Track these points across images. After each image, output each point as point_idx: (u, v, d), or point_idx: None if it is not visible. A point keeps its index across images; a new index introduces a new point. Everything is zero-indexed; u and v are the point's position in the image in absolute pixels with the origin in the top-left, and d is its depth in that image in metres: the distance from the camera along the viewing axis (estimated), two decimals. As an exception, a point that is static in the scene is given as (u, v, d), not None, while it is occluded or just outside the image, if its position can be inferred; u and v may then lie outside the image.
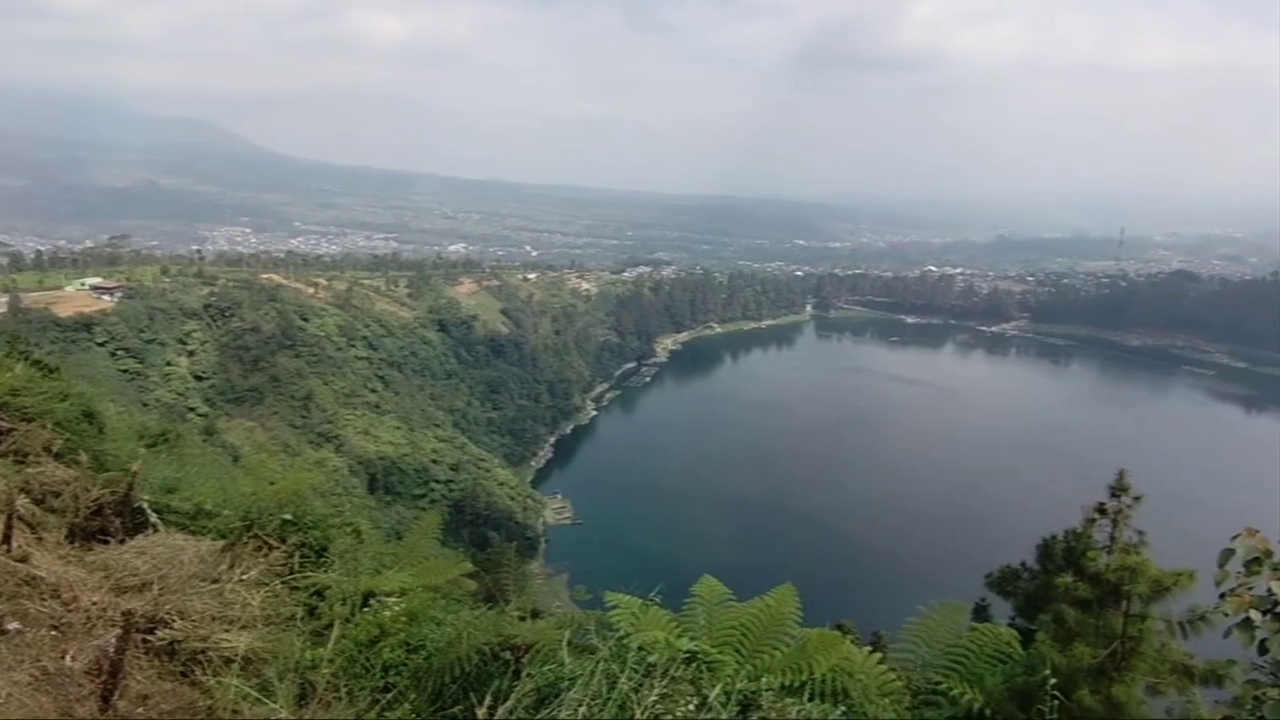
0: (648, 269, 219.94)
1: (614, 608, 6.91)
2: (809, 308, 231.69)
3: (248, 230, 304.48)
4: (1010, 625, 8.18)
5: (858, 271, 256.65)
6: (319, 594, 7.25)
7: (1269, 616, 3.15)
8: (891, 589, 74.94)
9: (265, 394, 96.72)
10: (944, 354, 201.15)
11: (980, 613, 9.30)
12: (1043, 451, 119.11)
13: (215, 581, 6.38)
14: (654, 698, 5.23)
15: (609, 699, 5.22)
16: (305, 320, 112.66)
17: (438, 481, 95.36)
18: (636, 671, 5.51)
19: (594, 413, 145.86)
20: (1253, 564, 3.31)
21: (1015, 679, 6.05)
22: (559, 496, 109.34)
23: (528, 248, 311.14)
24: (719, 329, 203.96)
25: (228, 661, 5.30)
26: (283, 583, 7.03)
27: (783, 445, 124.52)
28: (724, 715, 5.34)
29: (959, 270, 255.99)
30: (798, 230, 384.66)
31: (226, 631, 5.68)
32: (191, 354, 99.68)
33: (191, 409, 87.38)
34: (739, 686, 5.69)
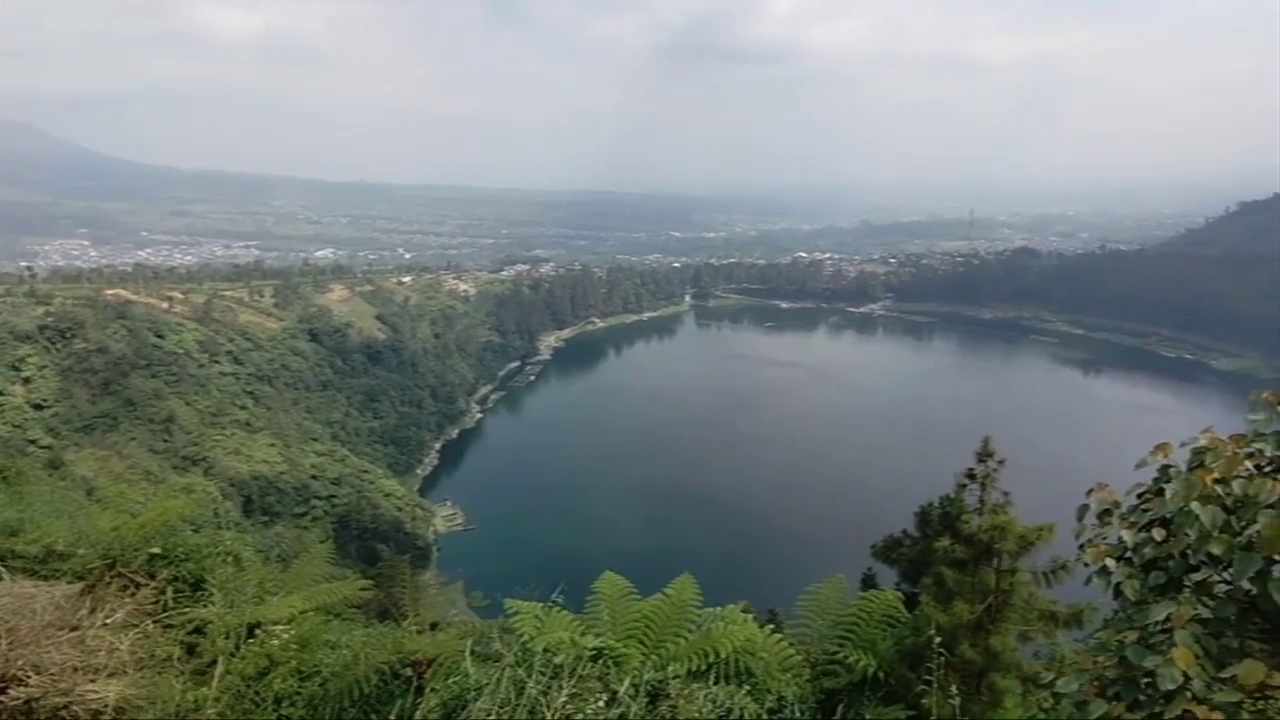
0: (526, 267, 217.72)
1: (515, 614, 6.82)
2: (688, 298, 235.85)
3: (86, 243, 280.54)
4: (896, 590, 8.67)
5: (733, 260, 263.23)
6: (198, 631, 6.79)
7: (1121, 563, 3.46)
8: (788, 563, 77.94)
9: (120, 419, 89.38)
10: (818, 336, 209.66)
11: (869, 581, 9.82)
12: (916, 422, 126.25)
13: (75, 629, 5.84)
14: (563, 698, 5.20)
15: (518, 704, 5.15)
16: (160, 337, 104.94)
17: (319, 498, 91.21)
18: (544, 674, 5.46)
19: (480, 415, 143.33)
20: (1105, 515, 3.62)
21: (904, 641, 6.42)
22: (449, 503, 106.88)
23: (401, 250, 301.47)
24: (601, 323, 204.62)
25: (96, 715, 4.89)
26: (155, 622, 6.54)
27: (673, 433, 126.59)
28: (633, 708, 5.38)
29: (828, 255, 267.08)
30: (673, 222, 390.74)
31: (92, 682, 5.22)
32: (28, 381, 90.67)
33: (32, 442, 79.48)
34: (646, 678, 5.75)
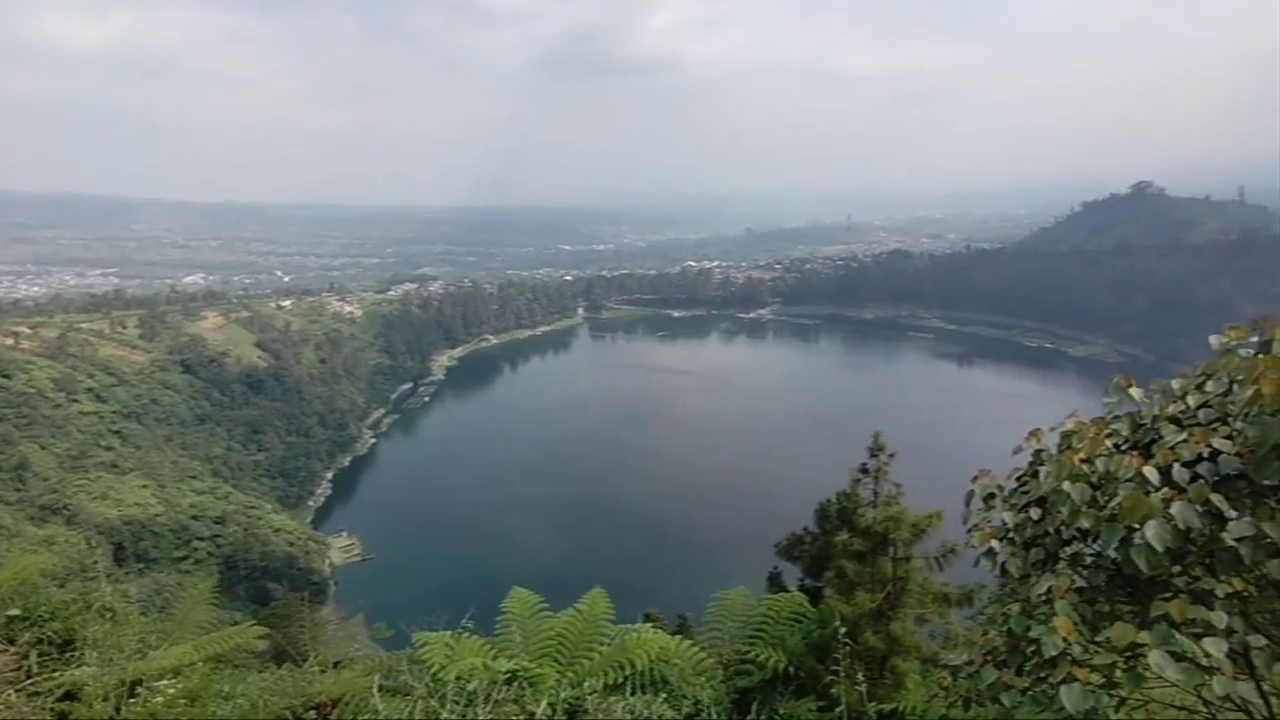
0: (414, 285, 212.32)
1: (423, 645, 6.65)
2: (581, 311, 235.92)
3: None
4: (801, 586, 8.95)
5: (624, 272, 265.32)
6: (70, 696, 6.26)
7: (1005, 542, 3.71)
8: (696, 565, 79.12)
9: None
10: (711, 342, 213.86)
11: (774, 580, 10.08)
12: (809, 421, 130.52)
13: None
14: (480, 726, 5.11)
15: (433, 737, 5.02)
16: (7, 377, 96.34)
17: (201, 539, 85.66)
18: (458, 703, 5.34)
19: (373, 441, 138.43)
20: (988, 499, 3.89)
21: (811, 634, 6.65)
22: (344, 534, 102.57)
23: (278, 273, 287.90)
24: (495, 340, 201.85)
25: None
26: (18, 691, 5.98)
27: (574, 445, 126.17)
28: (552, 727, 5.33)
29: (716, 263, 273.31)
30: (562, 235, 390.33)
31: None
32: None
33: None
34: (563, 696, 5.71)
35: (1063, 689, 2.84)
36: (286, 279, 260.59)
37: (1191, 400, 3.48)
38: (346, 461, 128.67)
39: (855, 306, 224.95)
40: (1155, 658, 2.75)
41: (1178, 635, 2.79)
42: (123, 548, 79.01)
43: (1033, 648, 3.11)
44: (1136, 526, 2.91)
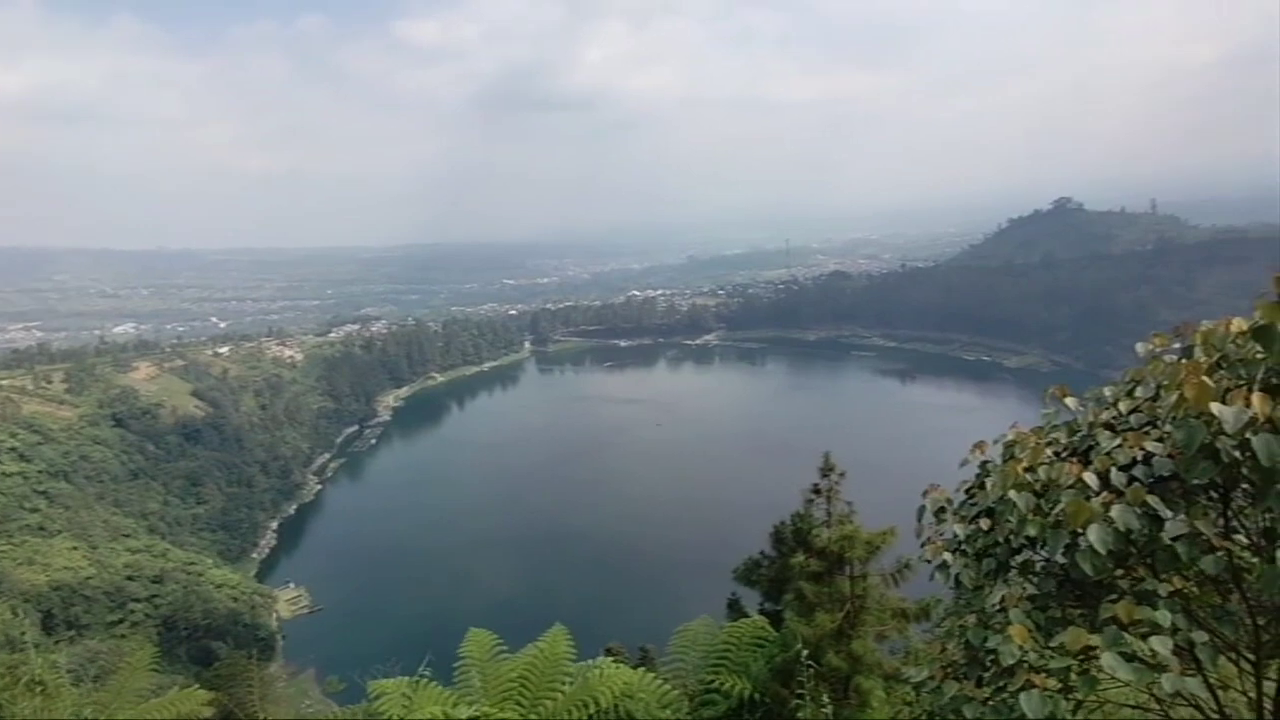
0: (356, 327, 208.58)
1: (379, 696, 6.45)
2: (527, 344, 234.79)
3: None
4: (761, 610, 8.95)
5: (569, 304, 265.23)
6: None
7: (957, 555, 3.79)
8: (655, 594, 78.55)
9: (-128, 543, 76.61)
10: (659, 370, 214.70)
11: (734, 605, 10.07)
12: (760, 443, 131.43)
13: None
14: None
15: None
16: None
17: (137, 600, 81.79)
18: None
19: (319, 487, 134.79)
20: (940, 513, 3.97)
21: (774, 659, 6.65)
22: (291, 585, 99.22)
23: (214, 319, 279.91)
24: (441, 378, 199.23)
25: None
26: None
27: (528, 481, 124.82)
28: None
29: (660, 292, 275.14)
30: (505, 270, 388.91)
31: None
32: None
33: None
34: (528, 739, 5.60)
35: (1021, 696, 2.90)
36: (222, 325, 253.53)
37: (1123, 406, 3.63)
38: (292, 510, 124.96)
39: (798, 328, 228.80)
40: (1107, 659, 2.82)
41: (1127, 636, 2.88)
42: (52, 615, 75.03)
43: (991, 658, 3.17)
44: (1080, 531, 3.00)
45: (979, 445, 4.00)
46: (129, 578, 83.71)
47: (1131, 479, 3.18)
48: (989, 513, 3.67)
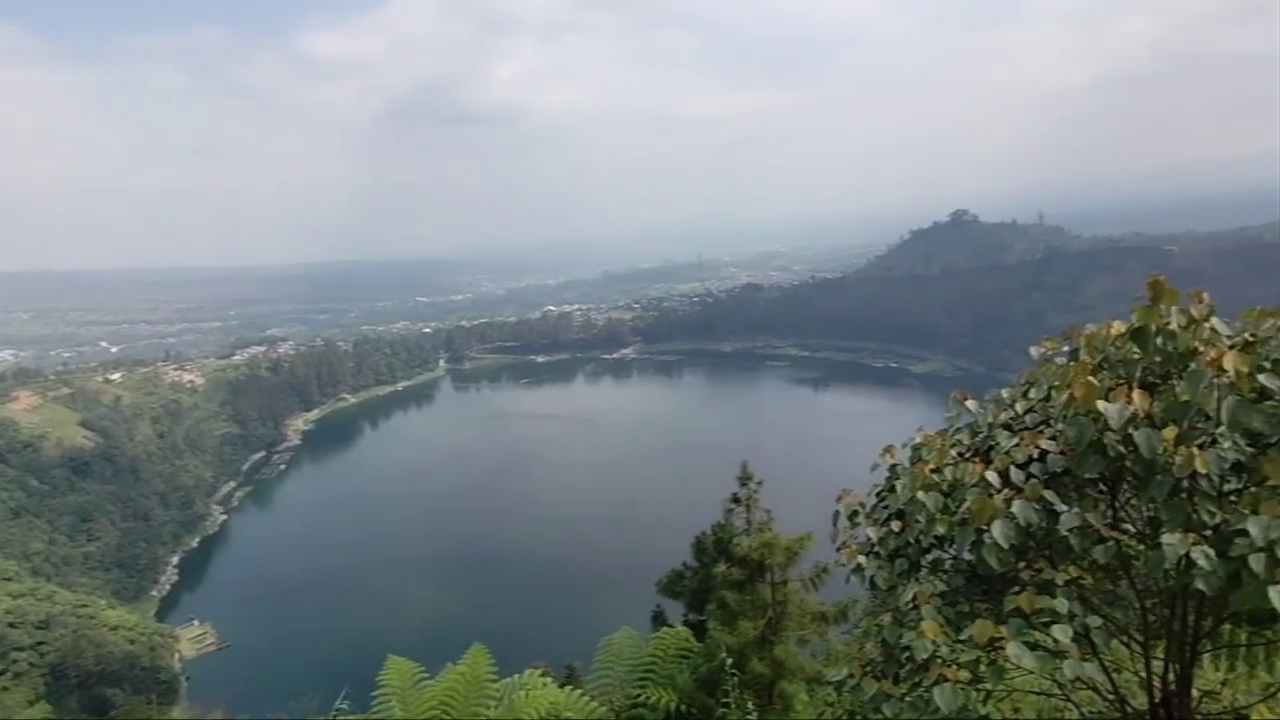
0: (262, 348, 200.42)
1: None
2: (442, 363, 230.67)
3: None
4: (685, 621, 8.99)
5: (484, 321, 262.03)
6: None
7: (871, 557, 3.91)
8: (582, 609, 77.96)
9: None
10: (577, 385, 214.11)
11: (659, 618, 10.07)
12: (680, 454, 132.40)
13: None
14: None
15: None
16: None
17: (20, 649, 75.81)
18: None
19: (224, 517, 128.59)
20: (853, 517, 4.09)
21: (699, 669, 6.69)
22: (195, 622, 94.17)
23: (104, 344, 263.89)
24: (353, 399, 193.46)
25: None
26: None
27: (445, 500, 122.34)
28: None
29: (576, 307, 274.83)
30: (418, 288, 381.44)
31: None
32: None
33: None
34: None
35: (935, 690, 3.01)
36: (114, 350, 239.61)
37: (1019, 407, 3.83)
38: (194, 543, 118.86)
39: (714, 340, 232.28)
40: (1012, 649, 2.96)
41: (1030, 626, 3.02)
42: (-77, 670, 69.00)
43: (906, 654, 3.28)
44: (985, 528, 3.15)
45: (888, 449, 4.14)
46: (11, 624, 77.59)
47: (1029, 476, 3.36)
48: (899, 514, 3.81)
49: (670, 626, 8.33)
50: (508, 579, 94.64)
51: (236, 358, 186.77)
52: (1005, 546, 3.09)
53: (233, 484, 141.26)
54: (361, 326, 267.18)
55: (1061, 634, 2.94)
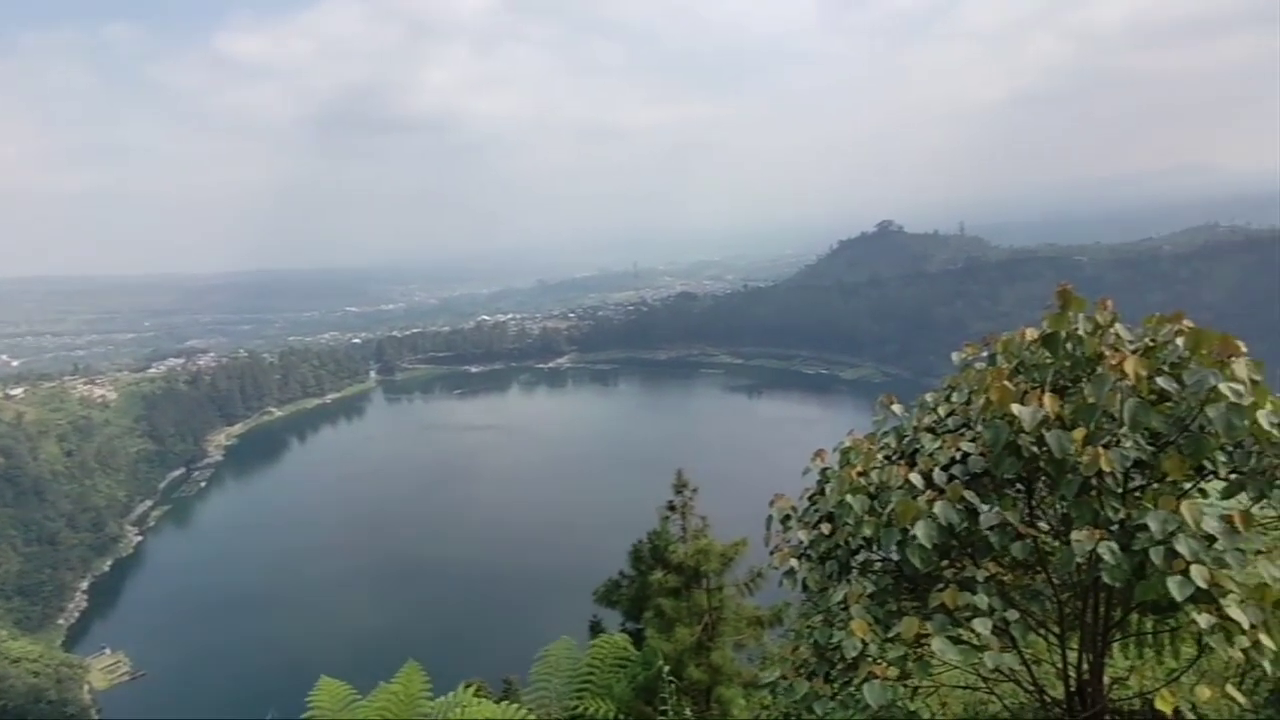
0: (180, 360, 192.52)
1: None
2: (373, 374, 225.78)
3: None
4: (623, 630, 8.99)
5: (416, 330, 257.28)
6: None
7: (803, 560, 3.99)
8: (518, 623, 76.87)
9: None
10: (512, 395, 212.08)
11: (596, 628, 10.04)
12: (616, 462, 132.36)
13: None
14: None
15: None
16: None
17: (-89, 686, 71.04)
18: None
19: (139, 539, 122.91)
20: (786, 520, 4.17)
21: (636, 678, 6.69)
22: (108, 651, 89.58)
23: (4, 357, 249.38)
24: (279, 412, 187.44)
25: None
26: None
27: (377, 514, 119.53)
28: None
29: (510, 316, 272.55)
30: (347, 297, 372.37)
31: None
32: None
33: None
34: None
35: (865, 687, 3.10)
36: (15, 364, 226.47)
37: (942, 410, 3.98)
38: (106, 566, 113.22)
39: (649, 349, 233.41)
40: (937, 644, 3.07)
41: (953, 621, 3.14)
42: None
43: (837, 654, 3.36)
44: (909, 528, 3.26)
45: (819, 454, 4.25)
46: (-99, 660, 72.56)
47: (951, 477, 3.49)
48: (829, 517, 3.91)
49: (606, 635, 8.31)
50: (441, 593, 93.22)
51: (152, 370, 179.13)
52: (929, 546, 3.21)
53: (149, 503, 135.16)
54: (288, 337, 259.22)
55: (982, 627, 3.06)
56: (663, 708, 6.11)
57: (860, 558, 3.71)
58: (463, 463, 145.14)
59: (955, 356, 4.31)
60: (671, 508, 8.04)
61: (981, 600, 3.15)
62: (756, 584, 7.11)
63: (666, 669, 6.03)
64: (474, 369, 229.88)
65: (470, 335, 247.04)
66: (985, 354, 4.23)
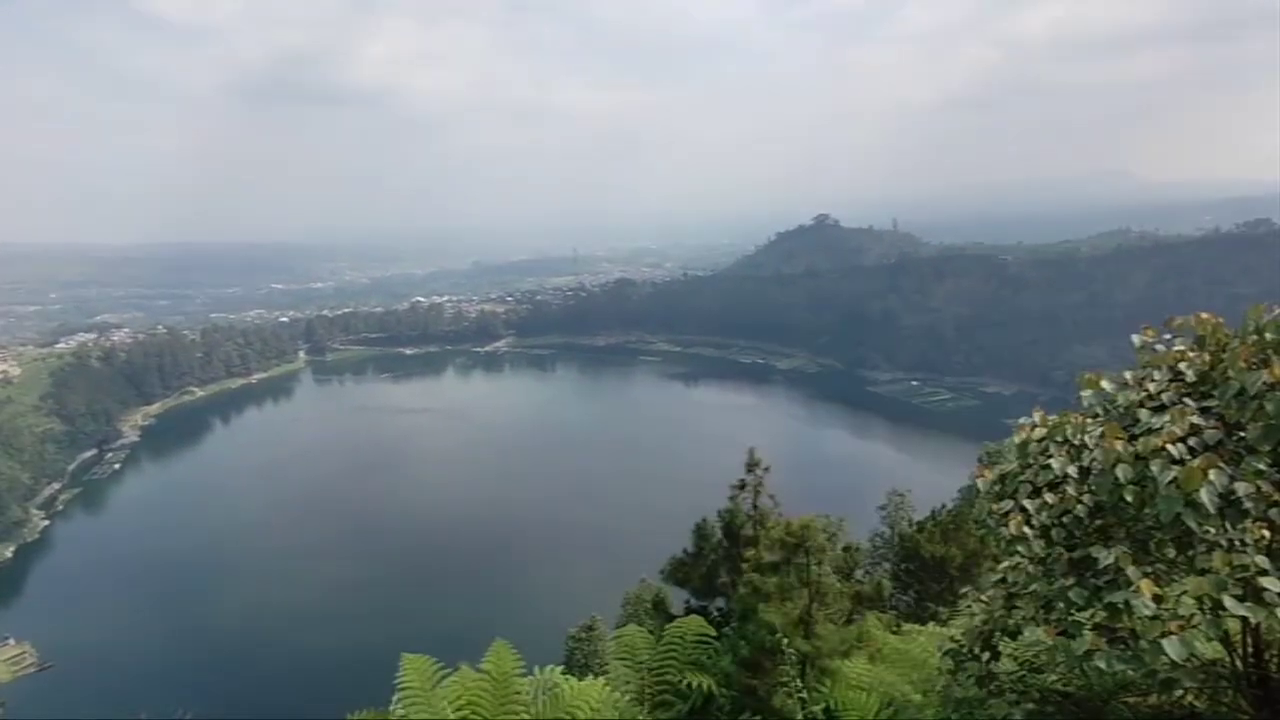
0: (92, 335, 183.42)
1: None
2: (302, 354, 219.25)
3: None
4: (688, 607, 9.03)
5: (348, 310, 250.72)
6: None
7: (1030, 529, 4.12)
8: (454, 596, 76.35)
9: None
10: (447, 378, 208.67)
11: (658, 606, 10.07)
12: (556, 447, 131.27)
13: None
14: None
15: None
16: None
17: None
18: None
19: (45, 523, 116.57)
20: (999, 490, 4.30)
21: (740, 651, 6.77)
22: (11, 641, 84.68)
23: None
24: (201, 392, 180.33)
25: None
26: None
27: (306, 499, 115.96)
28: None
29: (446, 298, 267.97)
30: (274, 273, 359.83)
31: None
32: None
33: None
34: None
35: (1165, 643, 3.24)
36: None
37: (1151, 388, 4.17)
38: (9, 553, 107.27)
39: (587, 335, 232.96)
40: (1229, 600, 3.24)
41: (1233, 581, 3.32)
42: None
43: (1104, 614, 3.51)
44: (1193, 494, 3.42)
45: (1021, 427, 4.40)
46: None
47: (1190, 449, 3.68)
48: (1052, 486, 4.05)
49: (670, 615, 8.36)
50: (376, 574, 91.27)
51: (61, 346, 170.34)
52: (1213, 510, 3.38)
53: (56, 486, 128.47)
54: (210, 314, 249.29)
55: (1272, 584, 3.25)
56: (782, 680, 6.21)
57: (1097, 522, 3.86)
58: (395, 447, 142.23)
59: (1135, 339, 4.54)
60: (742, 485, 8.13)
61: (1263, 561, 3.33)
62: (851, 559, 7.28)
63: (784, 641, 6.13)
64: (408, 351, 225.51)
65: (405, 316, 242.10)
66: (1167, 336, 4.47)
